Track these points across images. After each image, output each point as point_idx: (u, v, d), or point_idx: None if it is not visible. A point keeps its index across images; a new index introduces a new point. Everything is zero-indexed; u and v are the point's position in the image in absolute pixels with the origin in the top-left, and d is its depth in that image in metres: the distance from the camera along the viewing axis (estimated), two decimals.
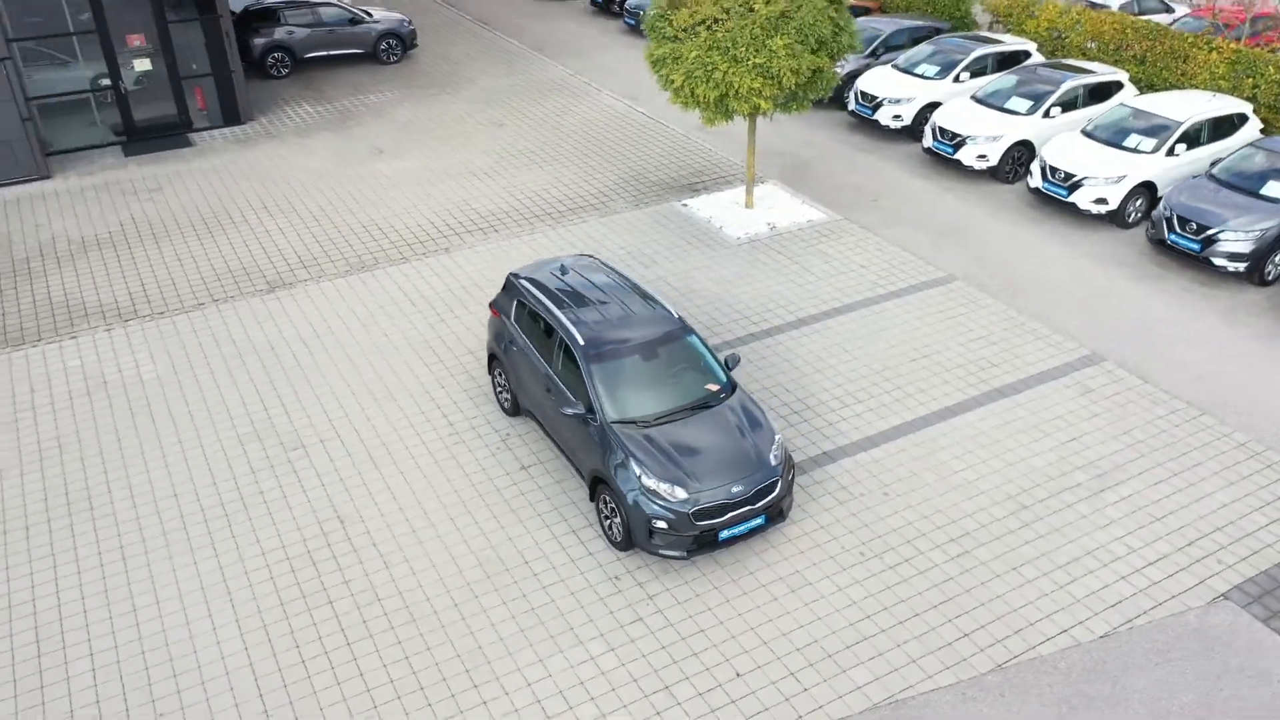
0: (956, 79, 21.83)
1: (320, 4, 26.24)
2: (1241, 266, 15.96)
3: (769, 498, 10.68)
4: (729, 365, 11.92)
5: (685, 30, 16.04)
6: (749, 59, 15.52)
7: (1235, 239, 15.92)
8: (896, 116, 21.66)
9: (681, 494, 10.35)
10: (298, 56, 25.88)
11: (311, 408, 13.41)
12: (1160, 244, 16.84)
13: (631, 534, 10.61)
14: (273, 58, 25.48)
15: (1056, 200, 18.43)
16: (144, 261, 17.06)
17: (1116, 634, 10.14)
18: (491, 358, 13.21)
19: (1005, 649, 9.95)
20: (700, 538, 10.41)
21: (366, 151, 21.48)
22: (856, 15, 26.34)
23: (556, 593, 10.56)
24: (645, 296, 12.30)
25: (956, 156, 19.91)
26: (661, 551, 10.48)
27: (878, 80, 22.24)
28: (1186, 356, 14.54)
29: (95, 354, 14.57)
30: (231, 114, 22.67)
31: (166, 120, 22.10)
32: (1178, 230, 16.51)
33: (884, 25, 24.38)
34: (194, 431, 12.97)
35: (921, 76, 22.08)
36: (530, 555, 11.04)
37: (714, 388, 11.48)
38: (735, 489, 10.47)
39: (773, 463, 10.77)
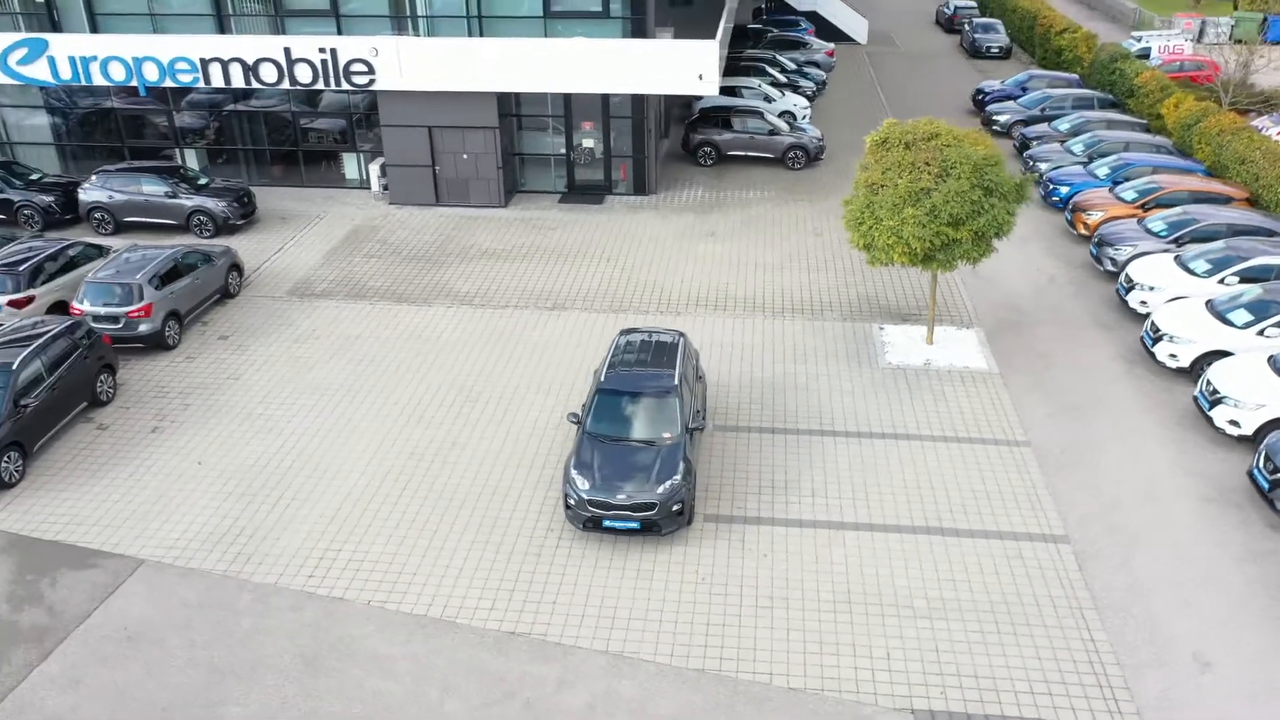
0: (1223, 280, 22.05)
1: (751, 114, 33.37)
2: None
3: (645, 513, 15.43)
4: (692, 426, 16.60)
5: (862, 188, 20.20)
6: (886, 221, 19.31)
7: None
8: (1143, 302, 22.60)
9: (586, 485, 15.63)
10: (723, 152, 33.29)
11: (501, 382, 20.55)
12: (1249, 476, 16.96)
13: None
14: (703, 150, 33.22)
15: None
16: (502, 272, 25.66)
17: (804, 692, 13.29)
18: None
19: (719, 662, 13.72)
20: (591, 519, 15.59)
21: (704, 233, 28.11)
22: (1217, 203, 26.42)
23: (513, 523, 16.46)
24: (672, 364, 17.40)
25: (1154, 349, 20.76)
26: (570, 520, 15.86)
27: (1146, 266, 23.20)
28: (1149, 570, 15.45)
29: (430, 319, 23.32)
30: (641, 186, 30.82)
31: (595, 183, 30.94)
32: (1260, 465, 16.63)
33: (1206, 215, 24.66)
34: (434, 372, 20.90)
35: (1191, 272, 22.60)
36: (524, 500, 17.01)
37: (667, 436, 16.35)
38: (619, 497, 15.45)
39: (658, 493, 15.47)
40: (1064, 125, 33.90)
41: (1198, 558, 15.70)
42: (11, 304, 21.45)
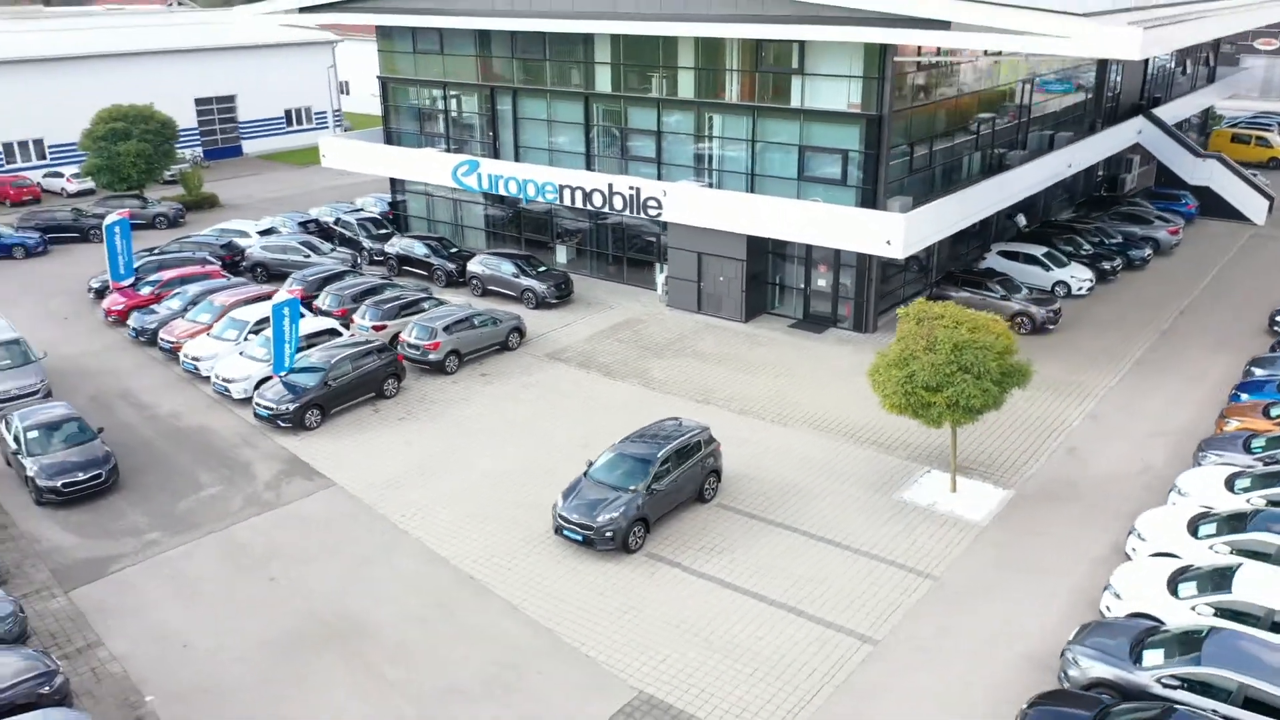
0: (1249, 500, 22.78)
1: (999, 278, 37.10)
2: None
3: (585, 532, 22.73)
4: (651, 488, 23.36)
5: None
6: (879, 377, 24.14)
7: (1083, 664, 18.36)
8: (1173, 504, 23.92)
9: (561, 504, 23.38)
10: None
11: (615, 439, 28.55)
12: None
13: None
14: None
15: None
16: (693, 369, 33.37)
17: (590, 659, 19.77)
18: None
19: (563, 628, 20.65)
20: (558, 527, 23.28)
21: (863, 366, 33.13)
22: None
23: (531, 523, 24.50)
24: (668, 444, 24.24)
25: (1127, 540, 22.62)
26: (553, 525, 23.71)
27: (1199, 475, 24.28)
28: (867, 681, 19.10)
29: (613, 390, 31.95)
30: (860, 323, 36.50)
31: (824, 315, 37.24)
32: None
33: None
34: (583, 425, 29.49)
35: (1231, 489, 23.40)
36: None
37: (631, 489, 23.37)
38: (574, 517, 22.93)
39: (597, 521, 22.66)
40: None
41: (957, 687, 18.95)
42: (375, 328, 34.31)
